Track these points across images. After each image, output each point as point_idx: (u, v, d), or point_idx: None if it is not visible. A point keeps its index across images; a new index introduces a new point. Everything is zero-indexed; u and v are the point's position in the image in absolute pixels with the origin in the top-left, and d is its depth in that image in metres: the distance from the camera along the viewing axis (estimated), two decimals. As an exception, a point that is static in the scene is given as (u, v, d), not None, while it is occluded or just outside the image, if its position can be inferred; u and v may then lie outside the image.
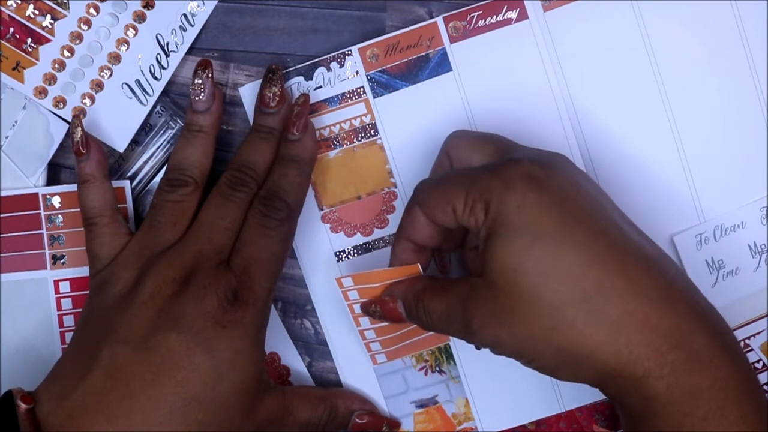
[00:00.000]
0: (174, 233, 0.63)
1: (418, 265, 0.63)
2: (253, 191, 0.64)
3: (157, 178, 0.69)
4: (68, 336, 0.69)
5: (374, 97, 0.69)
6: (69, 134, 0.67)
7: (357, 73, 0.68)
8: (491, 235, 0.55)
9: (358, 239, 0.70)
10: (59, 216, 0.68)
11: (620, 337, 0.52)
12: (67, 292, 0.69)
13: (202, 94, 0.65)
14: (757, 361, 0.70)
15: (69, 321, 0.69)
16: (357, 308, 0.66)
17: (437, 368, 0.70)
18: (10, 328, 0.69)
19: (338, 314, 0.70)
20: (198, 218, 0.63)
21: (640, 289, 0.53)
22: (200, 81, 0.65)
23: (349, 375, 0.71)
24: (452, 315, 0.58)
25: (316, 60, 0.68)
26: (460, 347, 0.70)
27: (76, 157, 0.65)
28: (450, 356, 0.70)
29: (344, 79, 0.68)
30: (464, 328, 0.57)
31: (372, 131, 0.69)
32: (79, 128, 0.65)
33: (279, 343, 0.71)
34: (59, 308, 0.69)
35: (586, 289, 0.53)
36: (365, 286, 0.65)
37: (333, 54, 0.68)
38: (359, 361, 0.70)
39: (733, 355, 0.54)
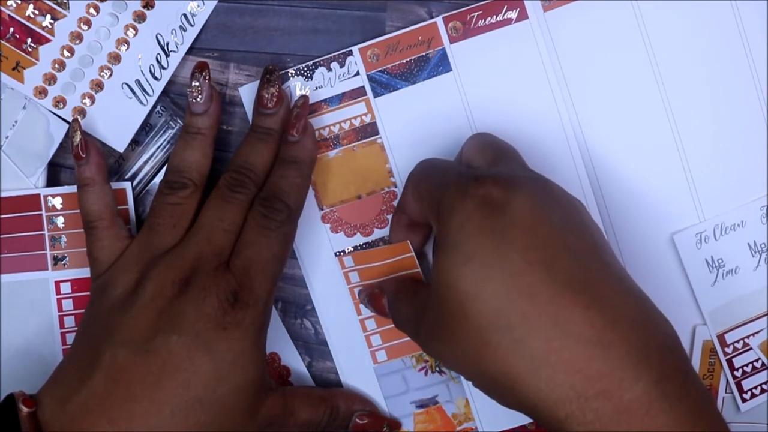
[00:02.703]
0: (174, 235, 0.63)
1: (407, 242, 0.65)
2: (252, 192, 0.64)
3: (157, 179, 0.69)
4: (69, 337, 0.69)
5: (374, 97, 0.69)
6: (68, 137, 0.67)
7: (357, 73, 0.68)
8: (437, 244, 0.56)
9: (358, 239, 0.70)
10: (60, 217, 0.68)
11: (542, 373, 0.50)
12: (68, 293, 0.69)
13: (200, 97, 0.65)
14: (756, 360, 0.70)
15: (70, 322, 0.69)
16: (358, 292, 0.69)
17: (437, 368, 0.70)
18: (11, 329, 0.69)
19: (338, 314, 0.70)
20: (197, 220, 0.63)
21: (569, 327, 0.51)
22: (198, 83, 0.65)
23: (349, 375, 0.71)
24: (410, 321, 0.60)
25: (317, 60, 0.68)
26: (460, 347, 0.70)
27: (76, 160, 0.65)
28: (450, 356, 0.70)
29: (345, 79, 0.68)
30: (416, 337, 0.59)
31: (372, 131, 0.69)
32: (78, 132, 0.65)
33: (279, 343, 0.71)
34: (60, 309, 0.69)
35: (510, 318, 0.51)
36: (365, 266, 0.67)
37: (333, 54, 0.68)
38: (359, 361, 0.70)
39: (677, 402, 0.50)
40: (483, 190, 0.54)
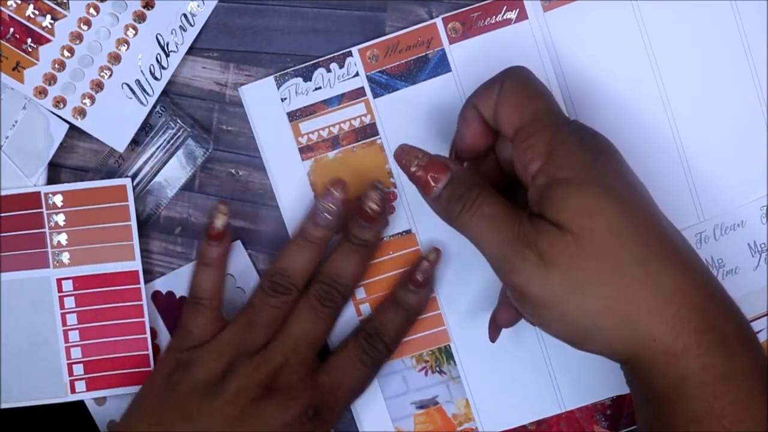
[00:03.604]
0: (266, 336, 0.66)
1: (415, 235, 0.67)
2: (341, 306, 0.67)
3: (158, 178, 0.69)
4: (72, 335, 0.69)
5: (374, 98, 0.69)
6: (212, 216, 0.67)
7: (357, 73, 0.68)
8: (558, 180, 0.55)
9: (358, 240, 0.70)
10: (61, 214, 0.69)
11: (669, 307, 0.53)
12: (70, 291, 0.69)
13: (330, 215, 0.66)
14: (757, 361, 0.70)
15: (72, 319, 0.69)
16: (358, 293, 0.69)
17: (437, 369, 0.70)
18: (13, 327, 0.69)
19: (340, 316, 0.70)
20: (287, 328, 0.66)
21: (689, 266, 0.54)
22: (332, 201, 0.66)
23: (350, 375, 0.70)
24: (503, 227, 0.55)
25: (316, 61, 0.68)
26: (460, 348, 0.70)
27: (209, 239, 0.67)
28: (450, 357, 0.70)
29: (344, 80, 0.68)
30: (509, 247, 0.55)
31: (372, 131, 0.69)
32: (226, 216, 0.66)
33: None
34: (62, 307, 0.69)
35: (647, 253, 0.53)
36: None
37: (333, 55, 0.68)
38: (360, 361, 0.70)
39: (757, 344, 0.55)
40: (603, 142, 0.57)
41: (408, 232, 0.70)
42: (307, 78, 0.68)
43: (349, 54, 0.68)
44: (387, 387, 0.70)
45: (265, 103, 0.69)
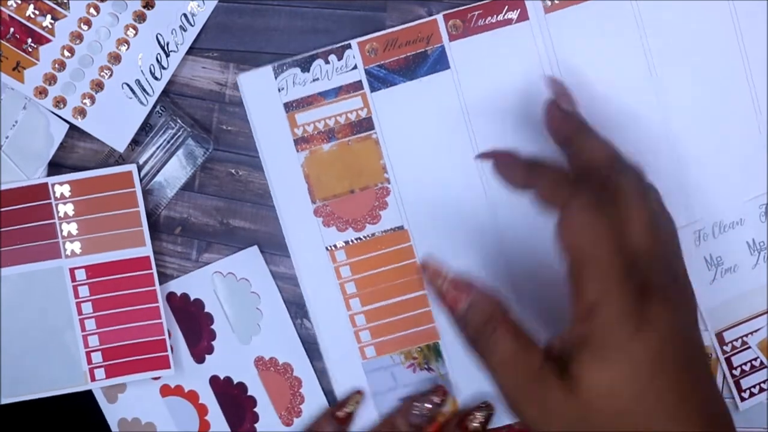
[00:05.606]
0: None
1: (407, 231, 0.68)
2: None
3: (158, 178, 0.70)
4: (88, 323, 0.70)
5: (371, 92, 0.69)
6: (346, 400, 0.71)
7: (355, 66, 0.68)
8: (592, 346, 0.52)
9: (350, 234, 0.70)
10: (70, 204, 0.69)
11: (681, 412, 0.51)
12: (84, 280, 0.70)
13: (424, 417, 0.69)
14: (755, 359, 0.70)
15: (88, 308, 0.70)
16: (348, 288, 0.70)
17: (425, 365, 0.71)
18: (30, 319, 0.70)
19: (328, 309, 0.71)
20: None
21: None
22: (431, 405, 0.68)
23: (338, 370, 0.71)
24: (514, 370, 0.54)
25: (315, 52, 0.68)
26: (448, 345, 0.71)
27: (335, 419, 0.70)
28: (438, 354, 0.71)
29: (342, 72, 0.68)
30: (517, 392, 0.54)
31: (368, 125, 0.69)
32: (358, 405, 0.70)
33: (292, 353, 0.72)
34: (77, 296, 0.70)
35: (646, 398, 0.51)
36: (358, 258, 0.69)
37: (332, 47, 0.68)
38: (348, 356, 0.71)
39: None
40: (656, 280, 0.54)
41: (401, 228, 0.70)
42: (305, 69, 0.68)
43: (348, 47, 0.68)
44: (375, 382, 0.71)
45: (262, 92, 0.69)
